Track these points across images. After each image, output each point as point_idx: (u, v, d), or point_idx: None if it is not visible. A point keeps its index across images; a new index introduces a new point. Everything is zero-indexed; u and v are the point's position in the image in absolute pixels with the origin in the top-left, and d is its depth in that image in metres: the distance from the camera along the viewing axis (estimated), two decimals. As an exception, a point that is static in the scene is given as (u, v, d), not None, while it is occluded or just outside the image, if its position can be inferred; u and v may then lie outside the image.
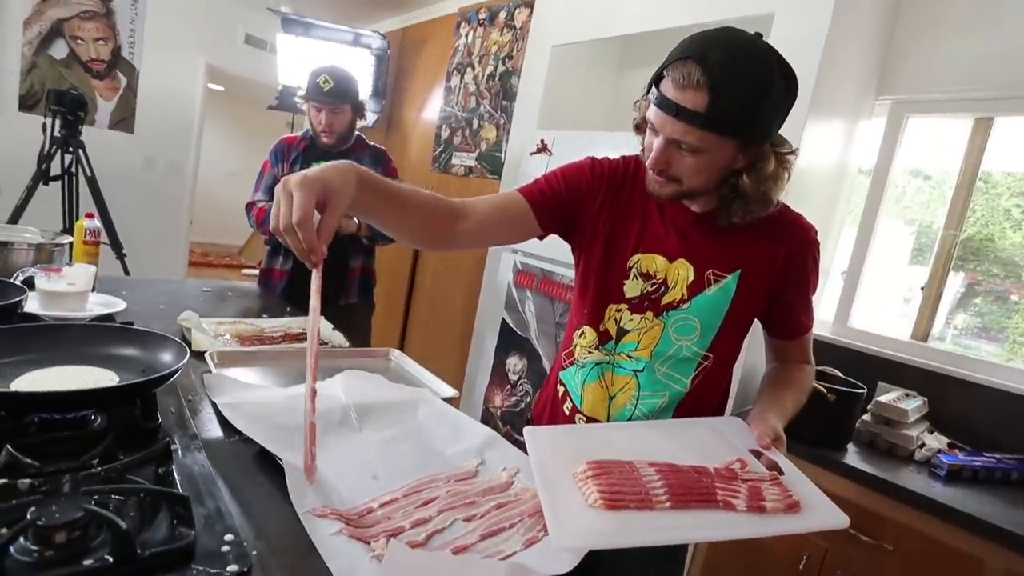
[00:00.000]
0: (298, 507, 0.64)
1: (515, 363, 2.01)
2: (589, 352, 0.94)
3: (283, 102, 3.26)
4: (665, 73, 0.74)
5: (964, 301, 1.73)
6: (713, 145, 0.74)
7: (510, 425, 2.01)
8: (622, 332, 0.90)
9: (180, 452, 0.75)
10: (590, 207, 0.91)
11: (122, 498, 0.57)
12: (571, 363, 0.97)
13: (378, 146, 2.04)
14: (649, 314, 0.88)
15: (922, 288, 1.69)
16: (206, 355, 1.08)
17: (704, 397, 0.90)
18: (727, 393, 0.98)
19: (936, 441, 1.41)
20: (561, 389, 0.99)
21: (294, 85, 3.22)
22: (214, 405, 0.89)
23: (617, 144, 1.74)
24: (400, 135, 3.37)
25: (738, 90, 0.70)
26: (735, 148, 0.76)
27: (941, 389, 1.53)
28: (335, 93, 1.86)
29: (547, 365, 1.90)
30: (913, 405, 1.44)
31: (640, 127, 0.84)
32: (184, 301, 1.58)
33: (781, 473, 0.71)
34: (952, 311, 1.71)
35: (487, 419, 2.11)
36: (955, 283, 1.69)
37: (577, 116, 2.17)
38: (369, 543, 0.60)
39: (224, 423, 0.85)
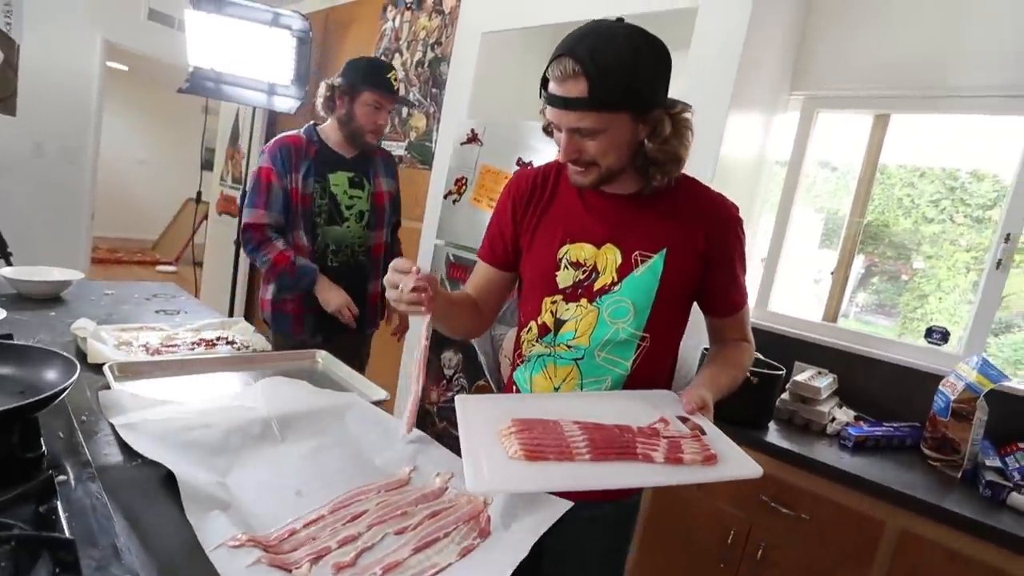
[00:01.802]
0: (206, 544, 0.58)
1: (450, 357, 1.98)
2: (532, 346, 0.96)
3: (194, 84, 3.00)
4: (547, 75, 0.81)
5: (864, 281, 1.88)
6: (608, 123, 0.80)
7: (447, 421, 1.98)
8: (559, 323, 0.92)
9: (72, 483, 0.67)
10: (520, 223, 0.98)
11: (-9, 546, 0.50)
12: (520, 362, 1.00)
13: (385, 149, 1.84)
14: (583, 301, 0.91)
15: (832, 273, 1.82)
16: (104, 368, 0.97)
17: (647, 377, 0.92)
18: (672, 376, 1.01)
19: (845, 415, 1.53)
20: (515, 389, 1.01)
21: (206, 67, 2.97)
22: (112, 426, 0.81)
23: (549, 135, 1.73)
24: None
25: (611, 68, 0.76)
26: (630, 120, 0.81)
27: (848, 366, 1.66)
28: (399, 92, 1.66)
29: (482, 359, 1.88)
30: (825, 383, 1.55)
31: (547, 130, 0.90)
32: (81, 307, 1.43)
33: (703, 433, 0.75)
34: (855, 291, 1.86)
35: (423, 415, 2.07)
36: (857, 266, 1.83)
37: (508, 105, 2.14)
38: (291, 571, 0.56)
39: (124, 445, 0.77)
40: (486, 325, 1.04)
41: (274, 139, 1.65)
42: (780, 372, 1.47)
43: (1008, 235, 1.46)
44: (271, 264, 1.58)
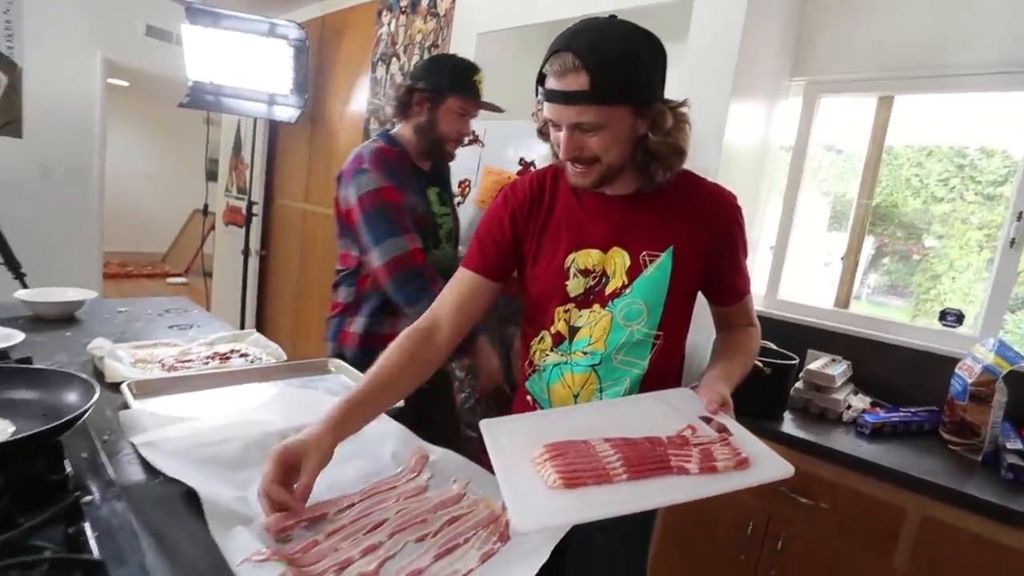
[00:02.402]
0: (231, 559, 0.59)
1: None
2: (546, 356, 0.95)
3: (195, 99, 3.02)
4: (546, 71, 0.80)
5: (875, 262, 1.87)
6: (609, 117, 0.79)
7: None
8: (574, 330, 0.92)
9: (96, 503, 0.68)
10: (521, 234, 0.96)
11: (22, 570, 0.51)
12: (532, 371, 0.99)
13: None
14: (596, 306, 0.90)
15: (842, 258, 1.80)
16: (123, 387, 0.99)
17: (661, 372, 0.92)
18: (681, 368, 1.02)
19: (860, 402, 1.52)
20: (530, 399, 1.00)
21: (205, 80, 2.99)
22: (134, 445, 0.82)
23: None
24: (325, 130, 3.22)
25: (611, 60, 0.76)
26: (630, 114, 0.81)
27: (862, 352, 1.64)
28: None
29: (495, 359, 1.88)
30: (839, 370, 1.54)
31: (543, 131, 0.89)
32: (96, 326, 1.45)
33: (730, 434, 0.75)
34: (866, 272, 1.85)
35: (439, 418, 2.08)
36: (867, 247, 1.82)
37: (507, 105, 2.13)
38: (315, 583, 0.57)
39: (146, 463, 0.78)
40: (443, 351, 0.91)
41: (368, 152, 1.35)
42: (793, 362, 1.46)
43: (1021, 214, 1.44)
44: (429, 285, 1.24)
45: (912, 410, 1.45)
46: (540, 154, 1.76)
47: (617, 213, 0.90)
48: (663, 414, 0.81)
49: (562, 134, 0.82)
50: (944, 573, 1.14)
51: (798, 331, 1.74)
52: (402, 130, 1.45)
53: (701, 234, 0.89)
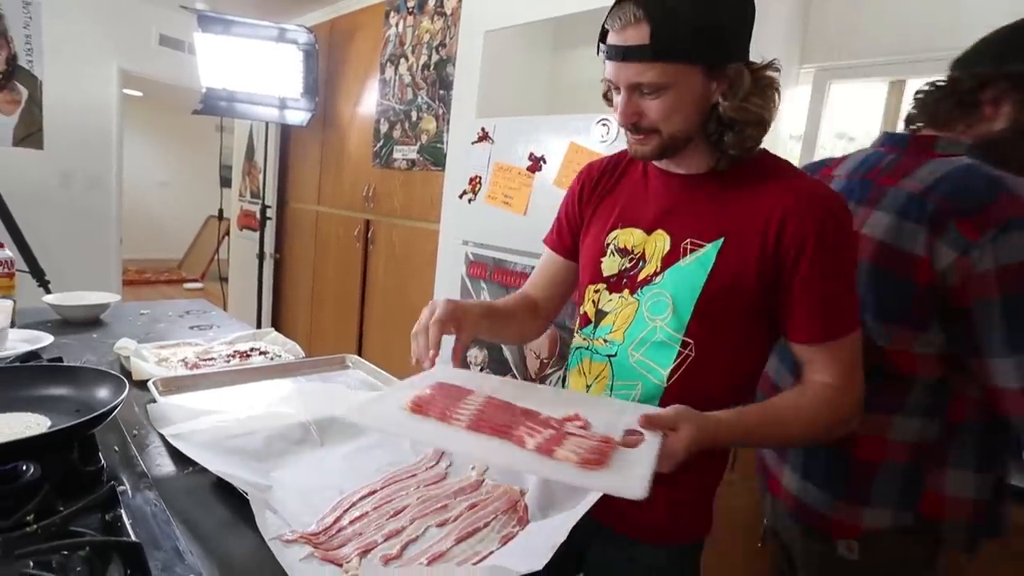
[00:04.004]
0: (265, 534, 0.61)
1: (475, 354, 2.00)
2: (574, 338, 0.88)
3: (208, 105, 3.08)
4: (607, 26, 0.71)
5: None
6: (673, 77, 0.68)
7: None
8: (601, 314, 0.82)
9: (129, 493, 0.71)
10: (585, 208, 0.90)
11: (66, 553, 0.54)
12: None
13: None
14: (626, 292, 0.80)
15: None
16: (149, 384, 1.02)
17: (688, 401, 0.69)
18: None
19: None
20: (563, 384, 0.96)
21: (218, 87, 3.05)
22: (162, 437, 0.85)
23: (557, 127, 1.74)
24: (337, 132, 3.25)
25: (679, 8, 0.65)
26: (700, 76, 0.69)
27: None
28: None
29: (507, 354, 1.90)
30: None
31: (607, 96, 0.78)
32: (120, 328, 1.49)
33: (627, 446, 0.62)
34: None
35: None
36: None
37: (516, 101, 2.15)
38: (342, 565, 0.59)
39: (175, 455, 0.81)
40: (544, 324, 0.96)
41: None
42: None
43: (1037, 194, 1.42)
44: None
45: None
46: (550, 150, 1.77)
47: (674, 192, 0.78)
48: (593, 412, 0.70)
49: (620, 97, 0.72)
50: None
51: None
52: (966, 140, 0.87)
53: (764, 233, 0.70)
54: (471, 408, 0.66)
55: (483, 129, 1.98)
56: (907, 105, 1.77)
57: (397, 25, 2.74)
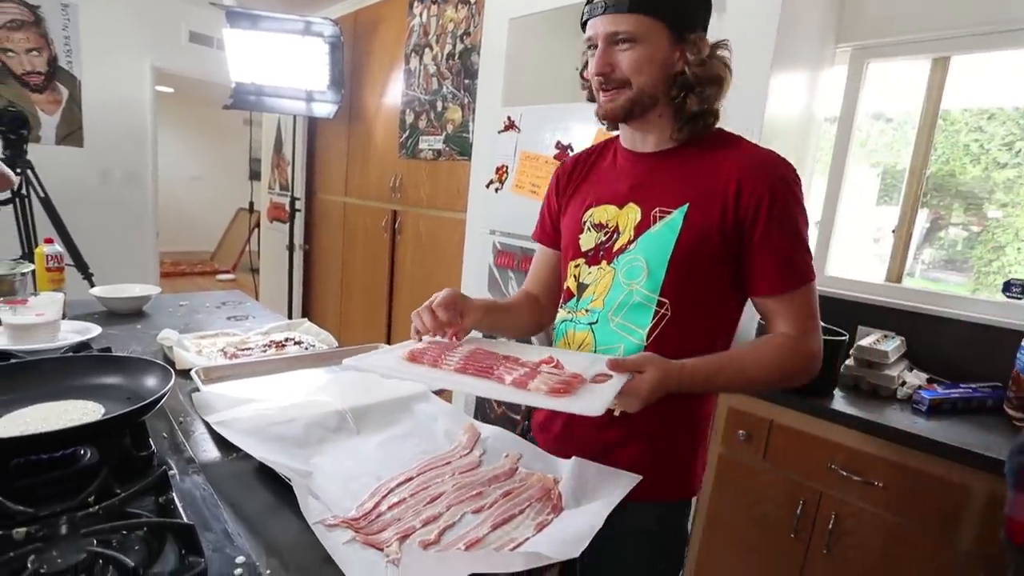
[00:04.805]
0: (308, 518, 0.64)
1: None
2: (559, 312, 0.95)
3: (238, 100, 3.14)
4: None
5: (930, 236, 1.78)
6: (646, 31, 0.78)
7: (504, 406, 2.03)
8: (582, 287, 0.90)
9: (178, 477, 0.74)
10: (562, 197, 0.99)
11: (125, 533, 0.57)
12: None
13: None
14: (603, 263, 0.87)
15: (893, 231, 1.73)
16: (192, 373, 1.05)
17: (668, 354, 0.76)
18: None
19: (916, 378, 1.47)
20: None
21: (247, 81, 3.10)
22: (207, 424, 0.88)
23: (584, 114, 1.72)
24: (363, 123, 3.28)
25: None
26: (668, 36, 0.79)
27: (916, 327, 1.58)
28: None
29: (535, 342, 1.91)
30: (892, 346, 1.49)
31: (583, 74, 0.89)
32: (161, 318, 1.54)
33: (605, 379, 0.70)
34: (920, 247, 1.77)
35: (480, 401, 2.13)
36: (921, 220, 1.74)
37: (542, 89, 2.13)
38: (383, 549, 0.60)
39: (219, 441, 0.84)
40: (547, 315, 1.02)
41: None
42: (844, 337, 1.42)
43: (1094, 175, 1.34)
44: None
45: (973, 386, 1.40)
46: (576, 138, 1.75)
47: (641, 170, 0.87)
48: (565, 360, 0.78)
49: (597, 51, 0.81)
50: (1010, 552, 1.10)
51: (846, 307, 1.69)
52: None
53: (724, 196, 0.78)
54: (460, 355, 0.75)
55: (509, 118, 1.97)
56: (952, 84, 1.69)
57: (421, 15, 2.74)
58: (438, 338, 0.85)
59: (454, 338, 0.84)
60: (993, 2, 1.45)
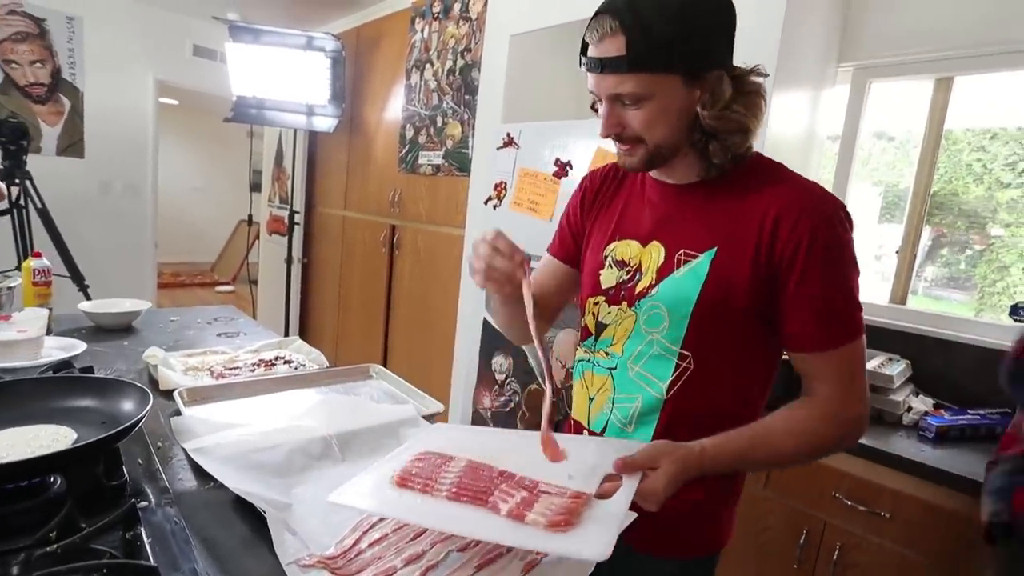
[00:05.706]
0: (282, 558, 0.60)
1: (501, 362, 1.98)
2: (577, 350, 0.90)
3: (239, 113, 3.14)
4: (586, 39, 0.71)
5: (932, 254, 1.76)
6: (652, 87, 0.68)
7: (501, 426, 1.99)
8: (601, 327, 0.82)
9: (152, 506, 0.70)
10: (587, 217, 0.91)
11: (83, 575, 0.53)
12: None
13: None
14: (624, 304, 0.79)
15: (897, 251, 1.71)
16: (174, 394, 1.02)
17: (691, 414, 0.73)
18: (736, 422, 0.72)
19: (922, 403, 1.43)
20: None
21: (248, 95, 3.11)
22: (185, 451, 0.85)
23: (584, 132, 1.71)
24: (363, 138, 3.28)
25: (653, 19, 0.65)
26: (680, 85, 0.69)
27: (922, 350, 1.55)
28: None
29: (532, 363, 1.87)
30: (897, 369, 1.45)
31: (594, 107, 0.78)
32: (150, 334, 1.52)
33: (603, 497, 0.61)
34: (922, 264, 1.74)
35: (477, 421, 2.09)
36: (924, 238, 1.72)
37: (542, 106, 2.12)
38: (359, 592, 0.57)
39: (197, 469, 0.81)
40: (544, 327, 0.97)
41: None
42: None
43: (1102, 198, 1.32)
44: None
45: (982, 412, 1.36)
46: (577, 155, 1.74)
47: (668, 203, 0.78)
48: (589, 460, 0.67)
49: (603, 108, 0.72)
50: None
51: (851, 329, 1.65)
52: None
53: (758, 238, 0.69)
54: (452, 475, 0.66)
55: (508, 134, 1.96)
56: (955, 104, 1.68)
57: (423, 31, 2.74)
58: (433, 447, 0.72)
59: (527, 267, 0.76)
60: (996, 23, 1.44)
